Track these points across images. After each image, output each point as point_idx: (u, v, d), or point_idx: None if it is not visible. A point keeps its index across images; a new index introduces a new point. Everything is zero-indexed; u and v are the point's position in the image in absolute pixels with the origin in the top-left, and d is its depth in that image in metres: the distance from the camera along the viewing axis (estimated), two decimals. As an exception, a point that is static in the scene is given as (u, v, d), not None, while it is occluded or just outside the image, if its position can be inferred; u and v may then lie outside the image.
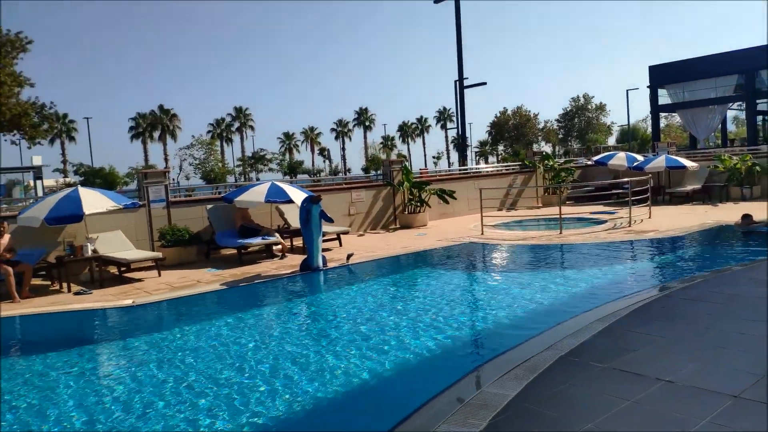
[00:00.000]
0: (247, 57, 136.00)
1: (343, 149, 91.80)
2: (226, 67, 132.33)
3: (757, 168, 17.27)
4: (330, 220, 10.72)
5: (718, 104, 35.45)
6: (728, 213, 13.69)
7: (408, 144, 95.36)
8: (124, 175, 49.84)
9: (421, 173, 24.90)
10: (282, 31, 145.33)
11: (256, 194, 11.36)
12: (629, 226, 12.80)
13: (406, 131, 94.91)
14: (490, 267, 10.53)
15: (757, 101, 34.24)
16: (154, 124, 73.81)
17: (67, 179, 44.51)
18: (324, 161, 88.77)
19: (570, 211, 15.82)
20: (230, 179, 52.85)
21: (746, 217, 11.64)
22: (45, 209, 9.48)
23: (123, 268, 10.51)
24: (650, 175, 15.73)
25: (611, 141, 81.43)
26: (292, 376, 5.03)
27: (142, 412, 4.43)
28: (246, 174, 71.67)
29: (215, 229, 11.92)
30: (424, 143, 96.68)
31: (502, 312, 6.79)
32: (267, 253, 11.93)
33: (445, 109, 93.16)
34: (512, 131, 78.93)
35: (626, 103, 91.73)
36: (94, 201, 9.85)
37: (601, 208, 16.08)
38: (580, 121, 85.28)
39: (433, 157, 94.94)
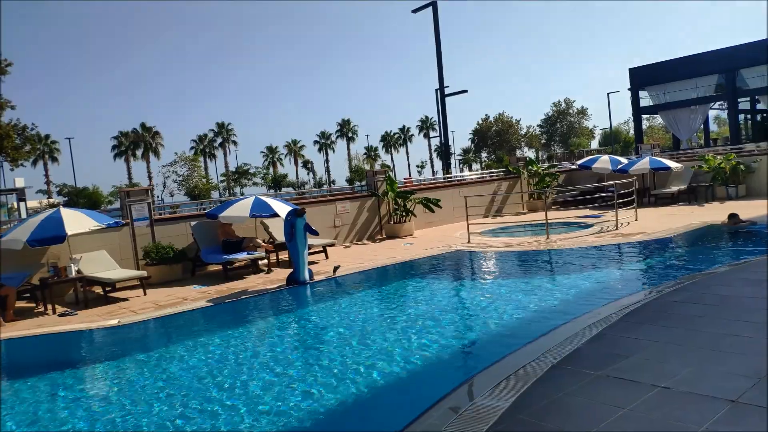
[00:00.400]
0: (228, 72, 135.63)
1: (327, 161, 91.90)
2: (208, 82, 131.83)
3: (742, 167, 17.48)
4: (315, 233, 10.65)
5: (700, 104, 35.89)
6: (715, 213, 13.82)
7: (391, 154, 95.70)
8: (108, 194, 49.39)
9: (405, 183, 24.92)
10: (262, 46, 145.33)
11: (241, 209, 11.26)
12: (616, 229, 12.86)
13: (389, 141, 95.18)
14: (478, 275, 10.50)
15: (739, 100, 34.71)
16: (136, 142, 73.37)
17: (51, 200, 43.98)
18: (308, 174, 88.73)
19: (556, 216, 15.88)
20: (215, 195, 52.57)
21: (733, 217, 11.75)
22: (27, 231, 9.33)
23: (108, 288, 10.38)
24: (635, 178, 15.86)
25: (594, 144, 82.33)
26: (280, 392, 4.94)
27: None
28: (230, 189, 71.33)
29: (200, 246, 11.79)
30: (407, 153, 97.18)
31: (492, 320, 6.75)
32: (253, 267, 11.81)
33: (427, 117, 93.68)
34: (495, 138, 79.47)
35: (608, 106, 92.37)
36: (76, 221, 9.72)
37: (587, 212, 16.19)
38: (563, 126, 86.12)
39: (417, 166, 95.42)
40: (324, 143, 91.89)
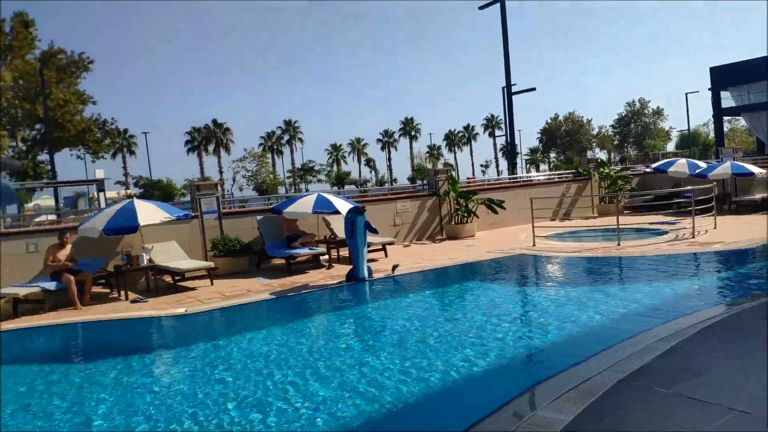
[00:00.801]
0: (296, 71, 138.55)
1: (389, 159, 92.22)
2: (276, 81, 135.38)
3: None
4: (374, 231, 10.66)
5: (787, 106, 33.56)
6: (802, 223, 12.82)
7: (455, 153, 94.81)
8: (182, 187, 51.52)
9: (468, 182, 24.62)
10: (329, 46, 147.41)
11: (304, 205, 11.45)
12: (693, 237, 12.17)
13: (453, 140, 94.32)
14: (542, 280, 10.19)
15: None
16: (208, 138, 76.21)
17: (128, 191, 46.38)
18: (370, 172, 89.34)
19: (628, 221, 15.21)
20: (281, 190, 53.83)
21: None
22: (103, 221, 9.80)
23: (177, 278, 10.76)
24: (714, 183, 14.97)
25: (670, 147, 78.59)
26: (336, 388, 4.93)
27: (191, 417, 4.44)
28: (296, 185, 72.88)
29: (265, 240, 12.07)
30: (471, 152, 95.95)
31: (555, 329, 6.50)
32: (314, 263, 11.98)
33: (492, 116, 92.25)
34: (564, 138, 77.34)
35: (686, 107, 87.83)
36: (148, 213, 10.13)
37: (661, 218, 15.42)
38: (637, 127, 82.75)
39: (481, 166, 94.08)
40: (387, 141, 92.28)
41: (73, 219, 13.77)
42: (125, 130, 70.92)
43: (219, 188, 12.92)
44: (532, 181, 21.79)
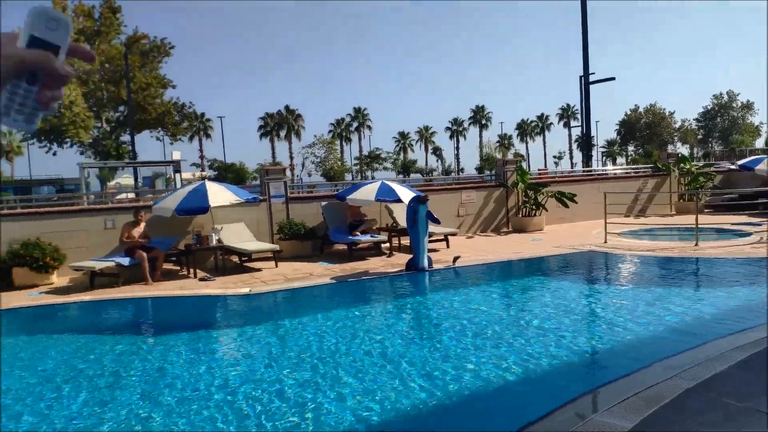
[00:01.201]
0: (367, 59, 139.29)
1: (457, 148, 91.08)
2: (347, 68, 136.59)
3: None
4: (436, 221, 10.53)
5: None
6: None
7: (526, 143, 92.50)
8: (254, 171, 53.07)
9: (539, 174, 23.92)
10: (400, 33, 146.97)
11: (367, 193, 11.49)
12: (779, 240, 11.30)
13: (525, 129, 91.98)
14: (611, 279, 9.76)
15: None
16: (280, 124, 78.00)
17: (203, 173, 48.23)
18: (437, 160, 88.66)
19: (708, 220, 14.30)
20: (348, 177, 54.44)
21: None
22: (176, 201, 10.20)
23: (244, 258, 11.07)
24: (808, 183, 13.82)
25: (760, 143, 73.34)
26: (390, 377, 4.91)
27: (252, 393, 4.55)
28: (362, 172, 73.44)
29: (328, 225, 12.22)
30: (544, 142, 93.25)
31: (620, 330, 6.20)
32: (375, 250, 12.03)
33: (568, 106, 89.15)
34: (644, 130, 73.84)
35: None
36: (218, 195, 10.45)
37: (745, 218, 14.40)
38: (723, 121, 77.79)
39: (554, 157, 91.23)
40: (456, 130, 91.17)
41: (150, 198, 14.46)
42: (202, 114, 73.63)
43: (287, 173, 13.16)
44: (607, 174, 20.94)
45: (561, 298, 8.04)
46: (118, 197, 18.03)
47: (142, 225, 10.18)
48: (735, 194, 16.97)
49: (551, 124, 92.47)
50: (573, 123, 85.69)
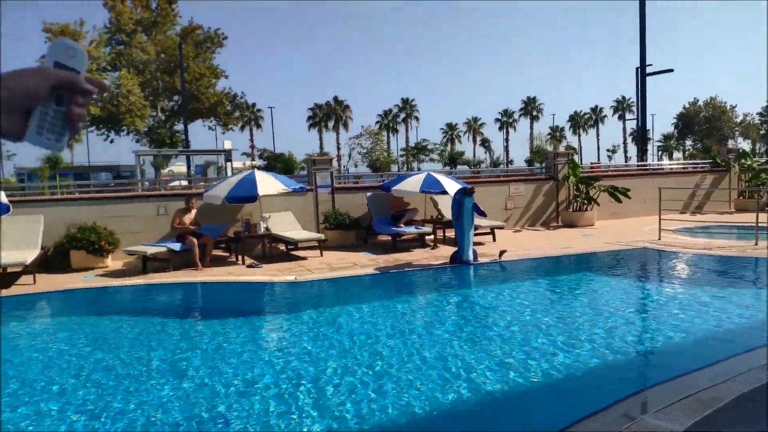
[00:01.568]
0: (416, 49, 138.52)
1: (507, 140, 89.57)
2: (396, 58, 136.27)
3: None
4: (483, 214, 10.38)
5: None
6: None
7: (579, 136, 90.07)
8: (301, 161, 53.77)
9: (591, 168, 23.30)
10: (449, 24, 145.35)
11: (412, 184, 11.43)
12: None
13: (578, 122, 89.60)
14: (664, 278, 9.41)
15: None
16: (329, 114, 78.60)
17: (253, 162, 49.19)
18: (485, 152, 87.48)
19: (770, 219, 13.60)
20: (394, 168, 54.43)
21: None
22: (226, 189, 10.41)
23: (290, 247, 11.23)
24: None
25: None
26: (431, 368, 4.88)
27: (295, 375, 4.62)
28: (408, 164, 73.28)
29: (373, 216, 12.25)
30: (597, 135, 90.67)
31: (672, 331, 5.97)
32: (420, 242, 11.98)
33: (624, 98, 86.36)
34: (703, 124, 70.82)
35: None
36: (267, 184, 10.61)
37: (812, 217, 13.61)
38: (791, 115, 73.65)
39: (608, 151, 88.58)
40: (505, 121, 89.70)
41: (202, 186, 14.85)
42: (253, 104, 74.90)
43: (333, 163, 13.25)
44: (663, 169, 20.23)
45: (610, 296, 7.81)
46: (171, 184, 18.58)
47: (193, 212, 10.45)
48: (802, 192, 16.05)
49: (605, 116, 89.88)
50: (628, 116, 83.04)
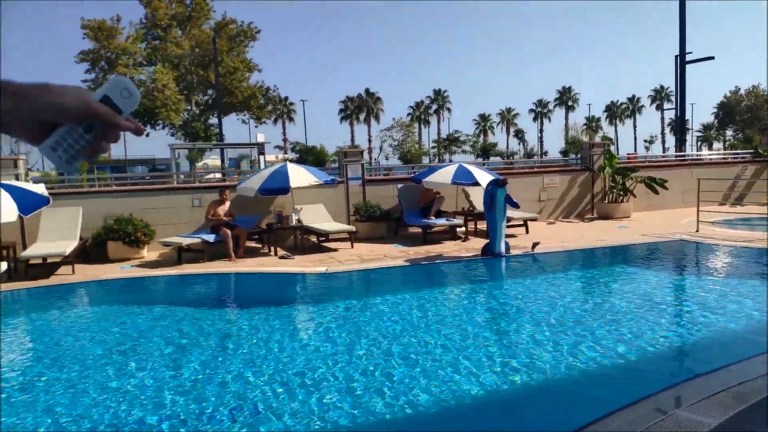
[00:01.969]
0: (448, 39, 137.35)
1: (541, 131, 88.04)
2: (429, 49, 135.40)
3: None
4: (515, 206, 10.26)
5: None
6: None
7: (615, 126, 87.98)
8: (333, 153, 54.04)
9: (628, 158, 22.82)
10: (480, 11, 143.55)
11: (444, 175, 11.38)
12: None
13: (615, 112, 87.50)
14: (702, 270, 9.18)
15: None
16: (360, 107, 78.65)
17: (286, 155, 49.64)
18: (519, 143, 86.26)
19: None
20: (425, 160, 54.20)
21: None
22: (259, 181, 10.55)
23: (322, 238, 11.32)
24: None
25: None
26: (460, 360, 4.89)
27: (325, 363, 4.69)
28: (440, 155, 72.86)
29: (403, 208, 12.25)
30: (635, 125, 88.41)
31: (711, 325, 5.82)
32: (450, 234, 11.93)
33: (662, 87, 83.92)
34: (745, 114, 68.40)
35: None
36: (299, 176, 10.70)
37: None
38: (839, 103, 70.50)
39: (645, 141, 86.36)
40: (540, 112, 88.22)
41: (236, 178, 15.07)
42: (286, 98, 75.42)
43: (364, 156, 13.29)
44: (702, 160, 19.64)
45: (645, 289, 7.65)
46: (206, 177, 18.92)
47: (227, 204, 10.62)
48: None
49: (642, 106, 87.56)
50: (666, 105, 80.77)
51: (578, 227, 13.11)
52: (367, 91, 78.93)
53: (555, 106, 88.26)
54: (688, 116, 27.77)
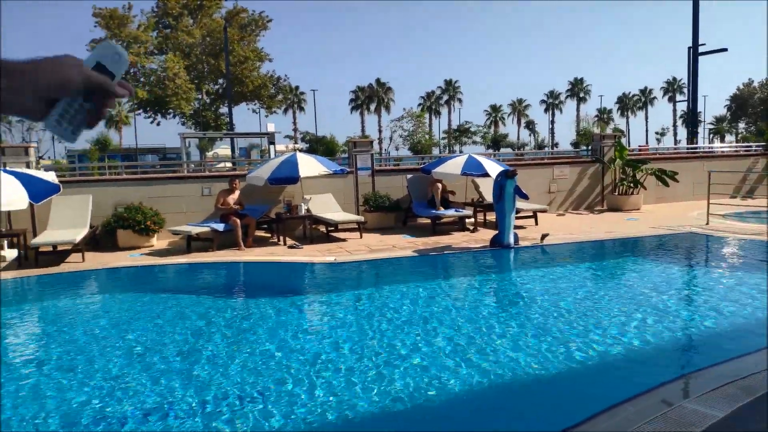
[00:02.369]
0: (460, 29, 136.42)
1: (552, 122, 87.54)
2: (439, 39, 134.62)
3: None
4: (525, 197, 10.23)
5: None
6: None
7: (627, 118, 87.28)
8: (343, 143, 54.00)
9: (639, 150, 22.66)
10: (493, 1, 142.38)
11: (453, 166, 11.36)
12: None
13: (626, 104, 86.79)
14: (711, 263, 9.13)
15: None
16: (371, 97, 78.43)
17: (296, 145, 49.71)
18: (530, 135, 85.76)
19: (829, 204, 12.96)
20: (435, 151, 54.04)
21: None
22: (268, 171, 10.58)
23: (330, 228, 11.34)
24: None
25: None
26: (471, 352, 4.91)
27: (335, 351, 4.74)
28: (450, 146, 72.58)
29: (413, 198, 12.25)
30: (646, 117, 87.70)
31: (717, 317, 5.81)
32: (459, 225, 11.92)
33: (674, 79, 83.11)
34: (758, 106, 67.54)
35: None
36: (308, 166, 10.71)
37: None
38: None
39: (657, 133, 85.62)
40: (551, 103, 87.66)
41: (246, 167, 15.12)
42: (296, 87, 75.25)
43: (375, 146, 13.28)
44: (714, 152, 19.47)
45: (653, 281, 7.64)
46: (217, 166, 19.00)
47: (237, 193, 10.67)
48: None
49: (654, 98, 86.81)
50: (679, 97, 79.98)
51: (587, 219, 13.05)
52: (377, 81, 78.73)
53: (566, 97, 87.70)
54: (700, 108, 27.53)
